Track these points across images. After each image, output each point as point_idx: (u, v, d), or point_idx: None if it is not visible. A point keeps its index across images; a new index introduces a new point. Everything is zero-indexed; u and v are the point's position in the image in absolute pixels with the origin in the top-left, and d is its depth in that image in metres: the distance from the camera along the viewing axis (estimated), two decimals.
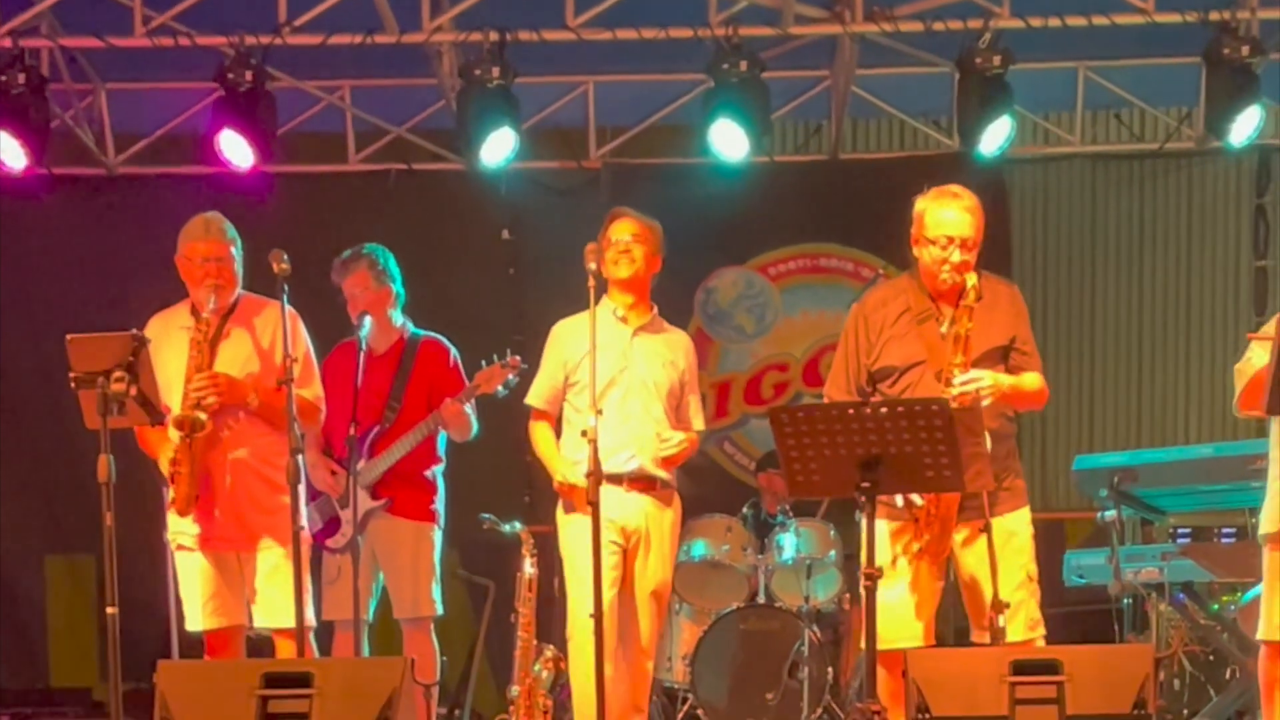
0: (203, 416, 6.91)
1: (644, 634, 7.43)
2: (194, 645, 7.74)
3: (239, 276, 7.25)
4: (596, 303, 6.95)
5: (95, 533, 6.66)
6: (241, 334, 7.20)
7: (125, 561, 6.78)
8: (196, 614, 7.20)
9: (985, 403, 6.51)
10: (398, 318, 8.24)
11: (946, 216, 6.69)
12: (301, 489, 7.21)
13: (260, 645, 7.41)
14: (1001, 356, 6.76)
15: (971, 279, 6.57)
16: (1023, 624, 6.65)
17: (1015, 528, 6.75)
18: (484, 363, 8.11)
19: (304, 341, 7.29)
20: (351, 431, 7.61)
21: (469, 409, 8.13)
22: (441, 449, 8.24)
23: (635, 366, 7.38)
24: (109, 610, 6.54)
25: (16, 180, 10.56)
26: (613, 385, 7.31)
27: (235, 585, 7.17)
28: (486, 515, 8.50)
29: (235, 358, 7.16)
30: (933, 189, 6.81)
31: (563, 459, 7.39)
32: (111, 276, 10.89)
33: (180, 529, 7.17)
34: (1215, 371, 11.26)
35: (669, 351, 7.50)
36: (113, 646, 6.59)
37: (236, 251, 7.23)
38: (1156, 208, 11.56)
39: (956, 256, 6.65)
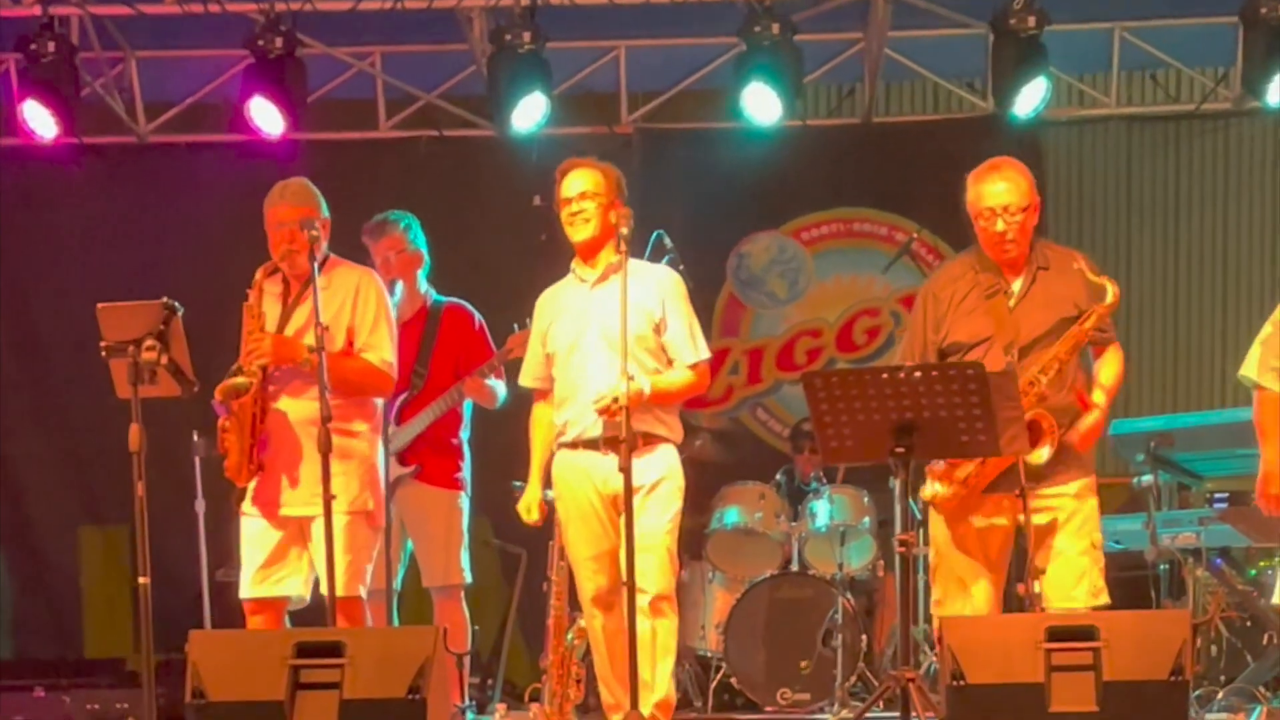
0: (242, 381, 6.82)
1: (652, 586, 6.86)
2: (227, 615, 7.72)
3: (319, 240, 7.04)
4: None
5: (128, 503, 6.64)
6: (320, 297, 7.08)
7: (158, 532, 6.77)
8: (246, 581, 7.06)
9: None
10: (423, 284, 8.23)
11: (985, 189, 6.72)
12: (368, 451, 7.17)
13: (309, 616, 7.32)
14: (1069, 327, 6.72)
15: (1110, 289, 6.58)
16: (1086, 591, 6.62)
17: (1082, 494, 6.70)
18: (516, 326, 8.08)
19: (377, 305, 7.12)
20: None
21: (491, 381, 8.11)
22: (468, 416, 8.22)
23: (594, 323, 6.90)
24: (141, 580, 6.52)
25: (47, 149, 10.58)
26: (574, 349, 6.95)
27: (295, 555, 7.02)
28: (519, 483, 8.48)
29: (308, 321, 7.04)
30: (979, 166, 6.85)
31: (534, 481, 7.14)
32: (143, 245, 10.89)
33: (249, 493, 7.05)
34: (1252, 335, 11.12)
35: (633, 294, 6.81)
36: (145, 616, 6.58)
37: (317, 215, 7.06)
38: (1193, 169, 11.46)
39: (1000, 225, 6.66)
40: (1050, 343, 6.64)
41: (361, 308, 7.06)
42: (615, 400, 6.61)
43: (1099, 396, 6.73)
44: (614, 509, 6.86)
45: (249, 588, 7.02)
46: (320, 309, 6.88)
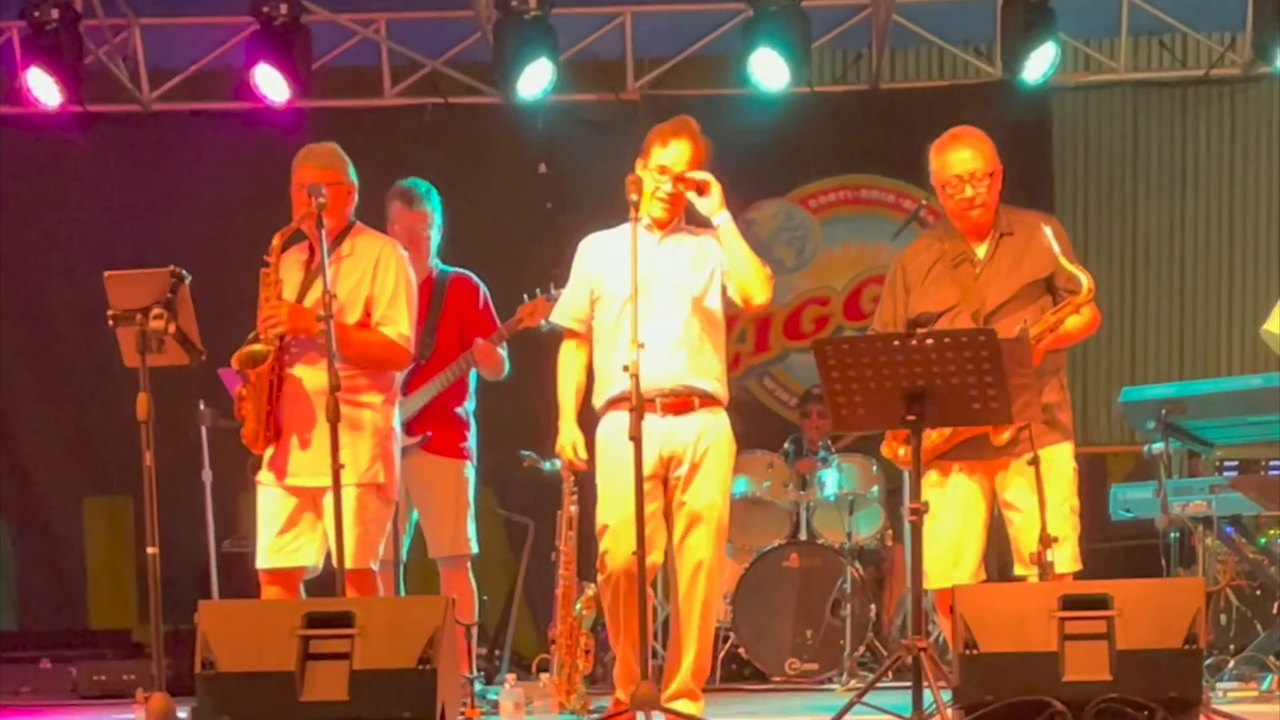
0: (260, 349, 6.75)
1: (705, 562, 6.75)
2: (234, 586, 7.69)
3: (344, 204, 6.99)
4: (636, 233, 6.66)
5: (134, 474, 6.62)
6: (339, 266, 6.96)
7: (164, 503, 6.73)
8: (262, 551, 6.97)
9: None
10: (431, 255, 8.20)
11: (951, 158, 6.78)
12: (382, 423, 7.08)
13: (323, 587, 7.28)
14: (1045, 288, 6.73)
15: (1085, 281, 6.54)
16: (1069, 557, 6.60)
17: (1059, 460, 6.69)
18: (526, 296, 8.05)
19: (397, 277, 7.01)
20: None
21: (502, 350, 8.07)
22: (473, 387, 8.19)
23: (660, 275, 6.67)
24: (150, 550, 6.48)
25: (51, 117, 10.56)
26: (638, 295, 6.56)
27: (309, 524, 6.92)
28: (527, 453, 8.47)
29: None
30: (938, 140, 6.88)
31: (569, 421, 6.89)
32: (148, 213, 10.85)
33: (264, 463, 6.97)
34: (1259, 302, 11.13)
35: (699, 253, 6.83)
36: (154, 587, 6.55)
37: (343, 179, 6.99)
38: (1200, 135, 11.40)
39: (969, 191, 6.72)
40: (1017, 307, 6.64)
41: (381, 279, 6.98)
42: None
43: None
44: (662, 472, 6.73)
45: (265, 558, 6.95)
46: (341, 276, 6.86)
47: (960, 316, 6.66)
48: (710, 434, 6.78)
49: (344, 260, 6.95)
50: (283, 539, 6.91)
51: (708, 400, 6.80)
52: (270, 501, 6.96)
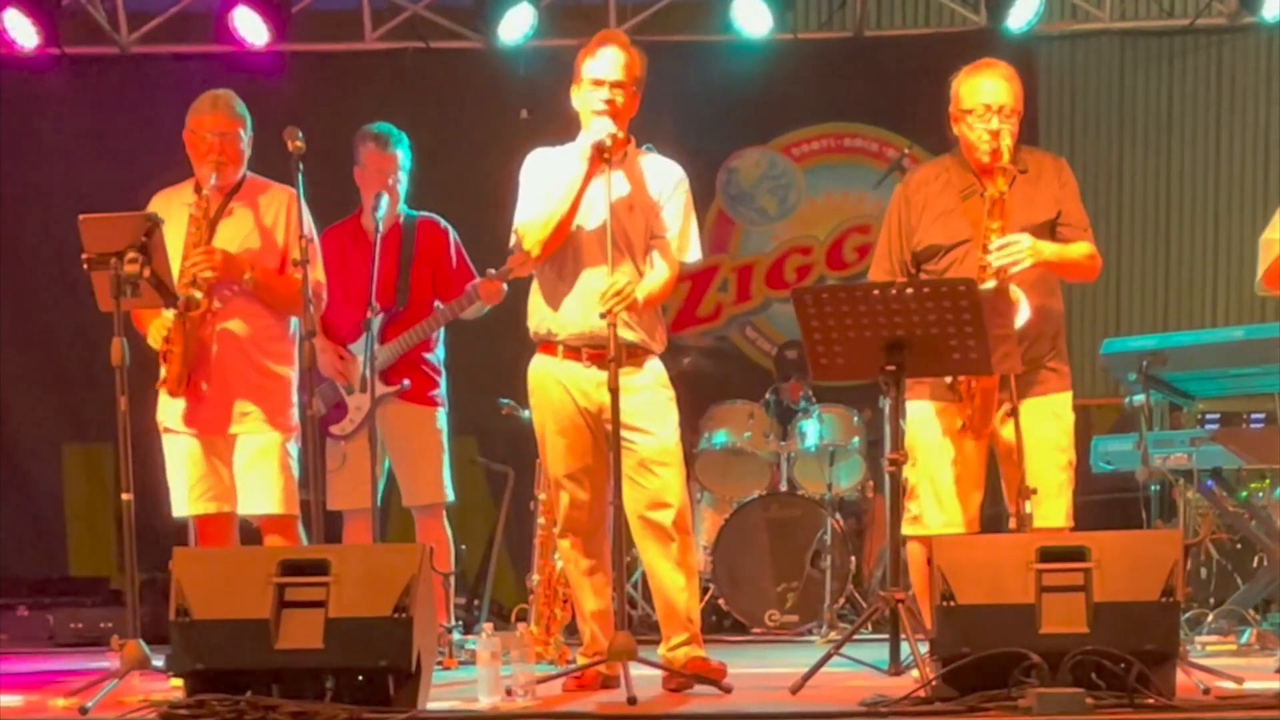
0: (198, 295, 6.81)
1: (676, 501, 6.53)
2: None
3: (244, 155, 7.10)
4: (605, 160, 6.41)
5: (113, 421, 6.55)
6: (244, 213, 7.08)
7: (142, 450, 6.71)
8: (183, 499, 7.08)
9: (1024, 265, 6.35)
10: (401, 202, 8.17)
11: (981, 85, 6.52)
12: (294, 373, 7.11)
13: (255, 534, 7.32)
14: (1048, 232, 6.56)
15: (1006, 140, 6.40)
16: (1062, 511, 6.54)
17: (1059, 410, 6.61)
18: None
19: (309, 227, 7.12)
20: (369, 315, 7.51)
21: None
22: (442, 334, 8.16)
23: (596, 214, 6.42)
24: (124, 496, 6.46)
25: (28, 59, 10.48)
26: (570, 230, 6.50)
27: (221, 473, 7.06)
28: (505, 400, 8.43)
29: (235, 236, 7.04)
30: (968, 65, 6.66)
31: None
32: (124, 157, 10.76)
33: (169, 410, 7.05)
34: (1244, 253, 11.07)
35: (638, 189, 6.57)
36: (128, 532, 6.52)
37: (244, 131, 7.08)
38: (1186, 85, 11.37)
39: (995, 123, 6.46)
40: None
41: (295, 228, 7.03)
42: (618, 294, 6.26)
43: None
44: (599, 422, 6.53)
45: (191, 505, 7.08)
46: (237, 225, 7.00)
47: (971, 253, 6.46)
48: (644, 384, 6.56)
49: (248, 210, 7.06)
50: (206, 484, 7.04)
51: (636, 352, 6.53)
52: (184, 448, 7.06)
